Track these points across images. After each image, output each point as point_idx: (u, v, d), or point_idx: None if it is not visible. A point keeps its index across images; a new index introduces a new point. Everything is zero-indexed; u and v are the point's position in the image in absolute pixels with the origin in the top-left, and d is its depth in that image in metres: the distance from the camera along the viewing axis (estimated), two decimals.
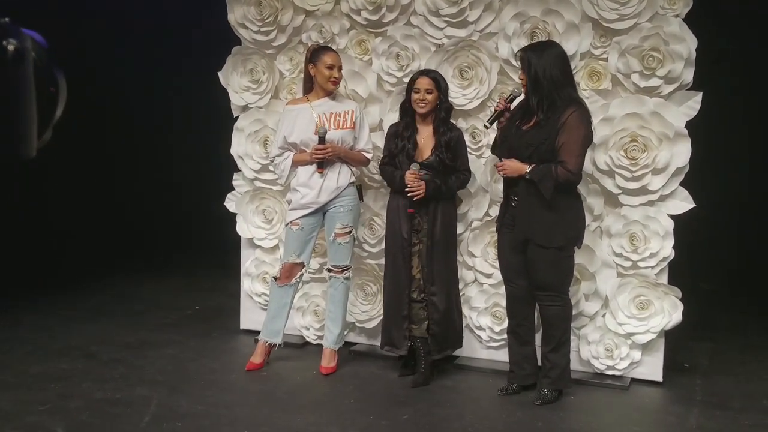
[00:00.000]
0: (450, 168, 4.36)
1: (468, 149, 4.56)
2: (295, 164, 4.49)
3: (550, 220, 3.98)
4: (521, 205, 4.05)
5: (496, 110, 4.15)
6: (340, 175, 4.49)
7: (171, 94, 7.51)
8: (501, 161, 4.09)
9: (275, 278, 4.61)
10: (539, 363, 4.26)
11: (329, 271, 4.63)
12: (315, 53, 4.44)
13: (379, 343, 4.63)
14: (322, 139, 4.36)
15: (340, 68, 4.45)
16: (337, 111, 4.47)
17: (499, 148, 4.20)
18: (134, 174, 8.04)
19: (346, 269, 4.62)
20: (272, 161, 4.62)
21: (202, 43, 6.46)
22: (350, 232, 4.57)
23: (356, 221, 4.64)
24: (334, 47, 4.72)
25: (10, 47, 0.90)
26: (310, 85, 4.50)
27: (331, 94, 4.49)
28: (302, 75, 4.63)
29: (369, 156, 4.57)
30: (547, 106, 3.93)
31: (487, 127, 4.26)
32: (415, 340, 4.43)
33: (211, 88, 5.30)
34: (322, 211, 4.52)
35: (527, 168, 3.94)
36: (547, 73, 3.90)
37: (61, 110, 1.04)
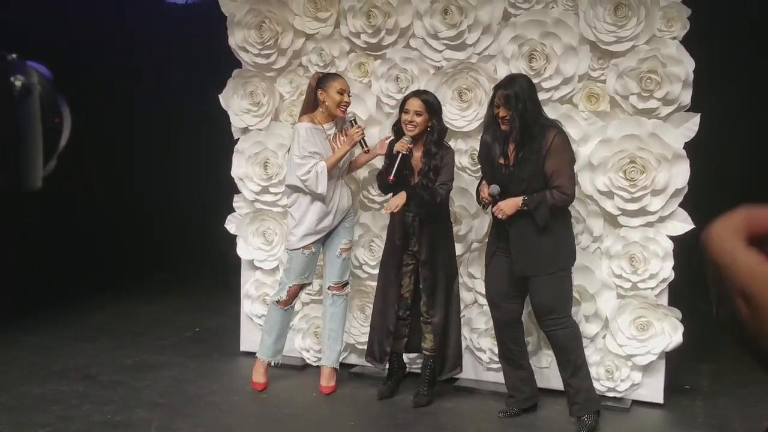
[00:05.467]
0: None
1: (467, 171, 4.58)
2: (330, 166, 4.35)
3: (549, 248, 3.97)
4: (517, 239, 4.00)
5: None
6: (347, 196, 4.57)
7: (171, 116, 7.54)
8: (493, 202, 3.99)
9: (278, 302, 4.59)
10: (535, 385, 4.22)
11: (330, 289, 4.63)
12: (324, 79, 4.44)
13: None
14: (353, 122, 4.39)
15: (349, 94, 4.45)
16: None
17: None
18: (134, 195, 8.05)
19: (346, 285, 4.67)
20: (304, 175, 4.37)
21: (203, 66, 6.49)
22: (351, 246, 4.65)
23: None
24: (333, 70, 4.74)
25: (18, 83, 0.92)
26: (309, 109, 4.49)
27: (336, 118, 4.49)
28: (302, 98, 4.65)
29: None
30: (528, 137, 3.91)
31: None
32: (400, 358, 4.52)
33: (211, 110, 5.33)
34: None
35: (520, 201, 3.90)
36: (528, 105, 3.89)
37: (65, 140, 1.06)
